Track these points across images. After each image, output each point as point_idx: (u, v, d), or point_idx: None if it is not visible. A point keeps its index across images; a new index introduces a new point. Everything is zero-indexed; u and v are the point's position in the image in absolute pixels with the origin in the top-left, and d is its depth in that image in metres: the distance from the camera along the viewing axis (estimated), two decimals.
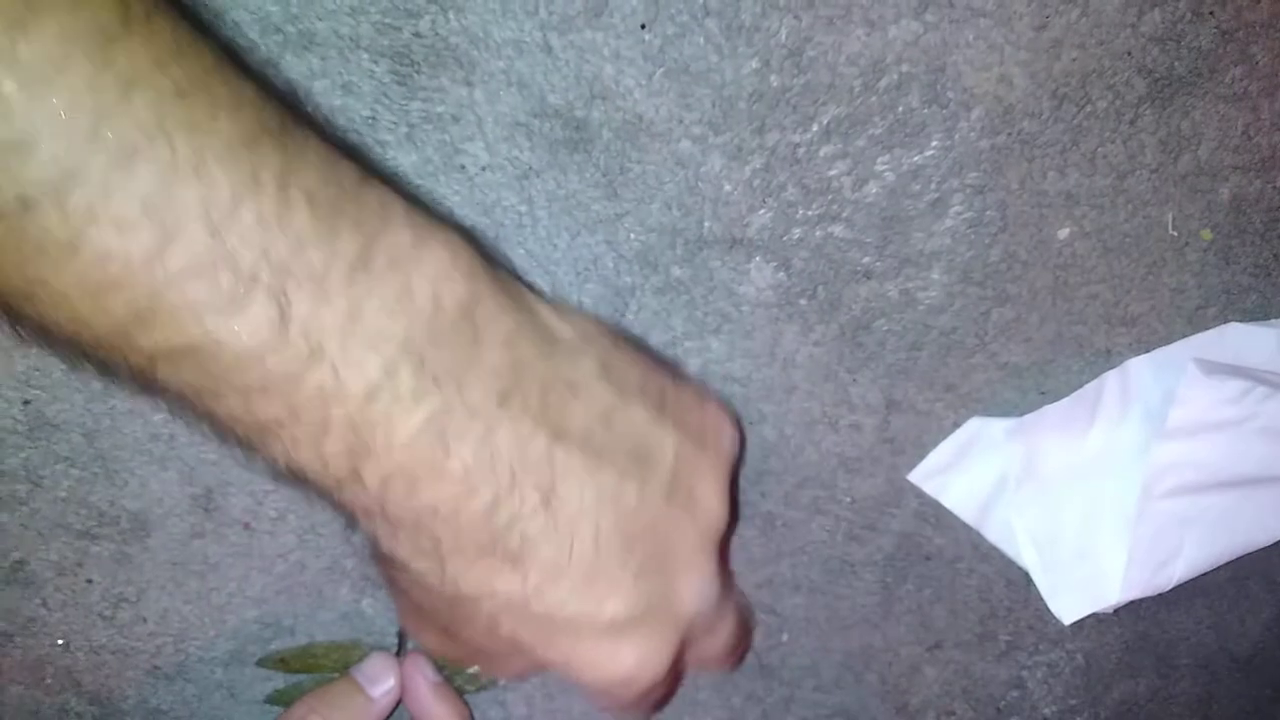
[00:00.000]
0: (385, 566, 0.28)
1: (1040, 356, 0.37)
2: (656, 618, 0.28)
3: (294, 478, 0.24)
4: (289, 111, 0.23)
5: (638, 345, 0.30)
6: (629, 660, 0.27)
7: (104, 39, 0.19)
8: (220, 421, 0.23)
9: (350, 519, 0.26)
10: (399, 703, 0.35)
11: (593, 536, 0.26)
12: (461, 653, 0.30)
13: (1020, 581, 0.40)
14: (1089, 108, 0.33)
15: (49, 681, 0.37)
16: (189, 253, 0.20)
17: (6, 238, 0.19)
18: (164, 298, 0.20)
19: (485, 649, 0.29)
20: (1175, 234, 0.36)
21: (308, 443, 0.23)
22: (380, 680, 0.35)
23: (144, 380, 0.22)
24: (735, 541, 0.38)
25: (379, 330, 0.22)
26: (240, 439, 0.23)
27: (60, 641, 0.36)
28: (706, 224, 0.33)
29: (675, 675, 0.30)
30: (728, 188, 0.33)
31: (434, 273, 0.23)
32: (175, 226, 0.20)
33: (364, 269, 0.22)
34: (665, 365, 0.30)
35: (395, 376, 0.23)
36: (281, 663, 0.37)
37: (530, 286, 0.28)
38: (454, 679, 0.37)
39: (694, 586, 0.28)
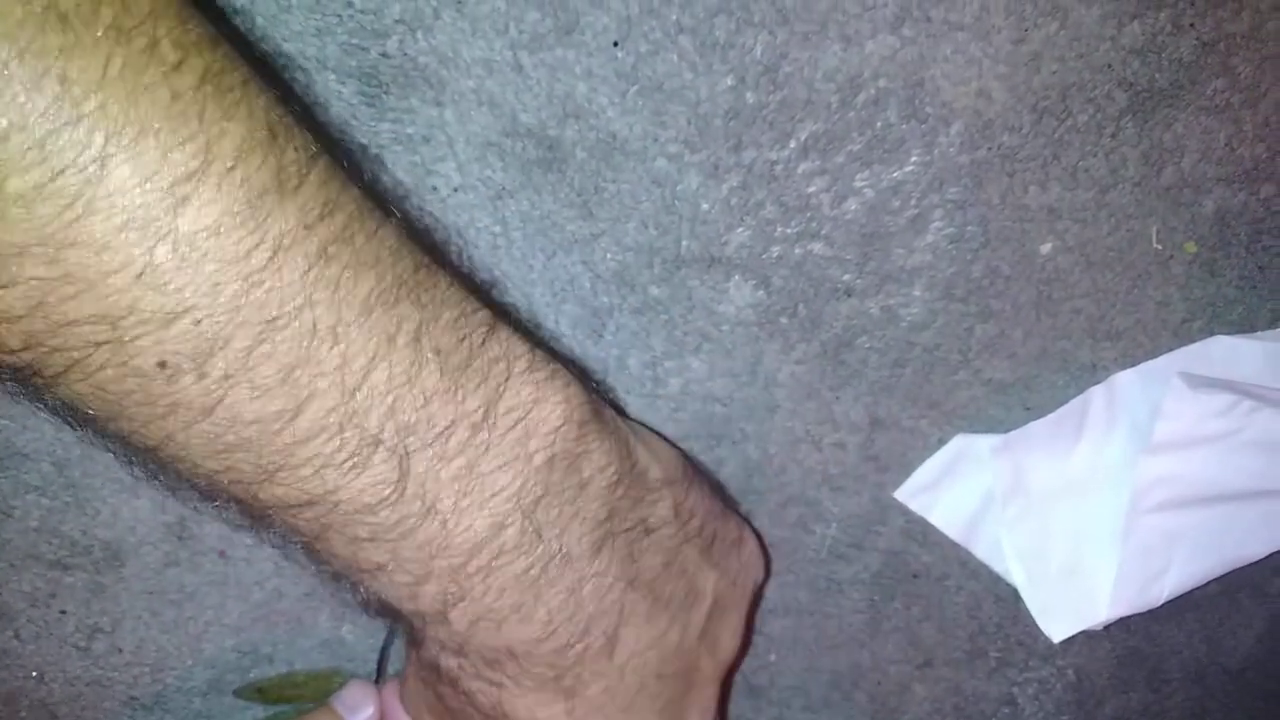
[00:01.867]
0: (428, 673, 0.28)
1: (1025, 372, 0.36)
2: None
3: (379, 609, 0.24)
4: (424, 254, 0.22)
5: (702, 480, 0.31)
6: None
7: (259, 206, 0.19)
8: (319, 558, 0.23)
9: (409, 632, 0.26)
10: None
11: (639, 676, 0.27)
12: None
13: (1009, 598, 0.40)
14: (1070, 121, 0.33)
15: (24, 715, 0.36)
16: (319, 414, 0.20)
17: (141, 397, 0.19)
18: (290, 456, 0.20)
19: None
20: (1159, 247, 0.35)
21: (404, 586, 0.23)
22: (360, 709, 0.34)
23: (256, 520, 0.22)
24: None
25: (492, 487, 0.23)
26: (335, 573, 0.24)
27: (34, 674, 0.35)
28: (684, 243, 0.33)
29: None
30: (705, 206, 0.32)
31: (550, 427, 0.23)
32: (310, 391, 0.20)
33: (485, 427, 0.22)
34: (717, 498, 0.31)
35: (502, 532, 0.23)
36: (259, 693, 0.37)
37: (625, 417, 0.28)
38: None
39: (699, 714, 0.30)
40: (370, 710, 0.34)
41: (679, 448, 0.31)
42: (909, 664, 0.41)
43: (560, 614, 0.25)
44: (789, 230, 0.33)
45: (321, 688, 0.36)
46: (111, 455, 0.32)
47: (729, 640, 0.30)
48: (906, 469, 0.37)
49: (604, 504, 0.25)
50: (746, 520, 0.33)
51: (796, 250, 0.33)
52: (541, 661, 0.25)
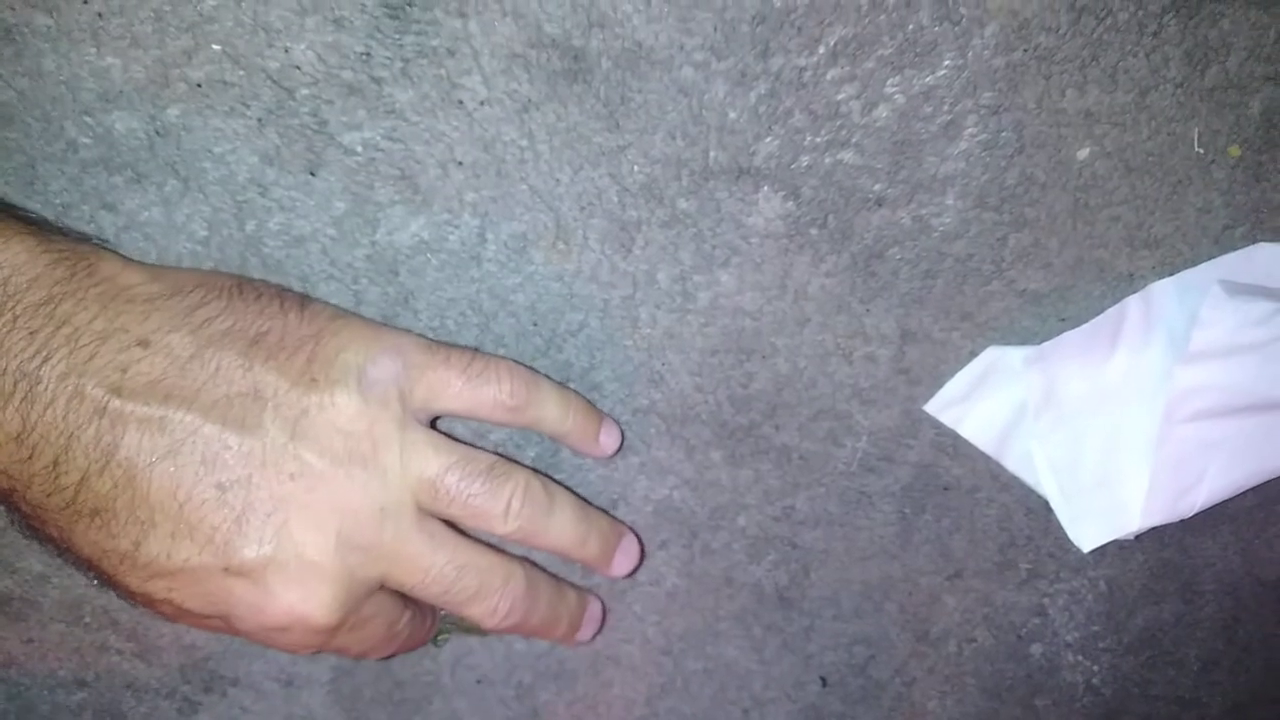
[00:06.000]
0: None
1: (1060, 282, 0.36)
2: (297, 562, 0.28)
3: None
4: None
5: (250, 288, 0.30)
6: (285, 602, 0.28)
7: None
8: None
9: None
10: None
11: (171, 486, 0.27)
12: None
13: (1040, 510, 0.40)
14: (1109, 20, 0.32)
15: (88, 620, 0.38)
16: None
17: None
18: None
19: (150, 610, 0.30)
20: (1201, 151, 0.34)
21: None
22: None
23: None
24: (749, 475, 0.38)
25: None
26: None
27: (95, 581, 0.37)
28: (712, 154, 0.32)
29: (384, 624, 0.31)
30: (732, 115, 0.32)
31: None
32: None
33: None
34: (284, 305, 0.30)
35: None
36: None
37: (113, 252, 0.29)
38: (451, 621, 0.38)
39: (331, 526, 0.28)
40: None
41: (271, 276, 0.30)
42: (939, 575, 0.41)
43: (27, 430, 0.26)
44: (818, 139, 0.32)
45: None
46: None
47: (332, 439, 0.28)
48: (938, 382, 0.37)
49: (51, 319, 0.26)
50: (386, 325, 0.32)
51: (826, 159, 0.33)
52: (45, 486, 0.26)
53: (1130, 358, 0.36)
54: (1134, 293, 0.36)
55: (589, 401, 0.35)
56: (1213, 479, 0.37)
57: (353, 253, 0.33)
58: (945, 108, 0.32)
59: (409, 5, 0.29)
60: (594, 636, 0.38)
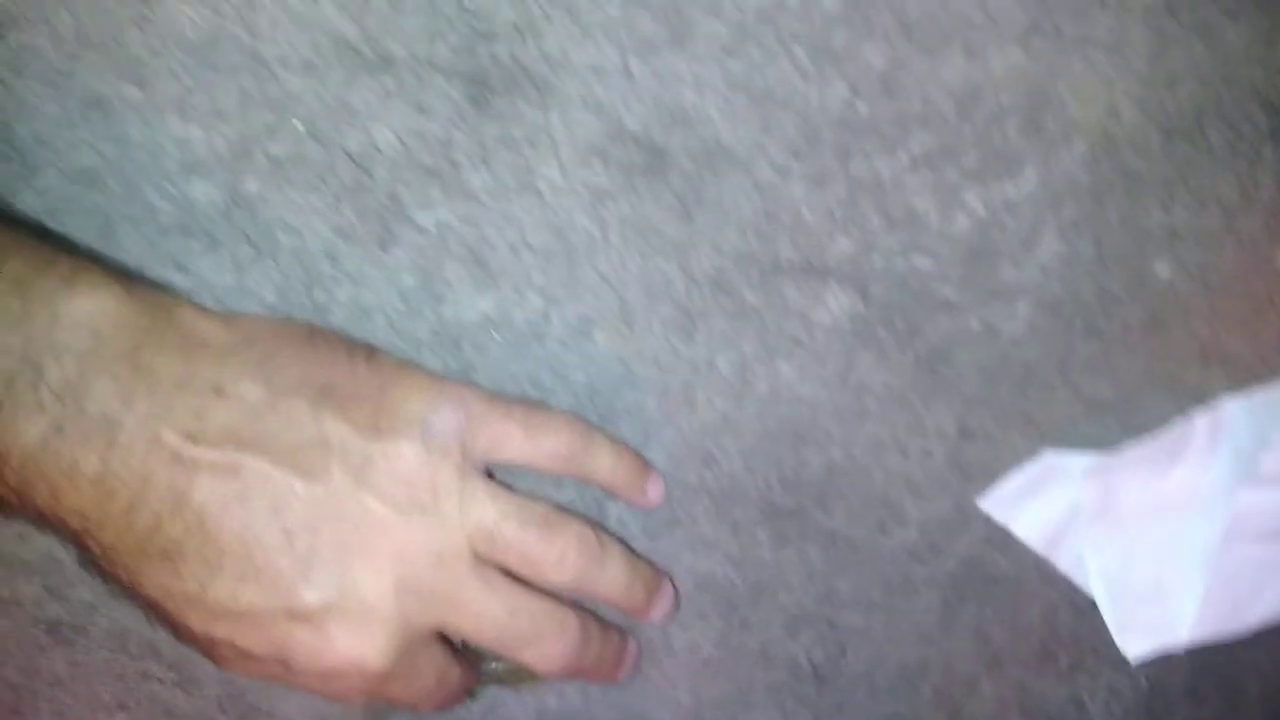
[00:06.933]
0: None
1: (1126, 393, 0.35)
2: (357, 606, 0.28)
3: None
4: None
5: (320, 339, 0.30)
6: (343, 646, 0.28)
7: None
8: None
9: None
10: None
11: (240, 530, 0.27)
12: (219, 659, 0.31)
13: (1086, 606, 0.40)
14: (1203, 144, 0.31)
15: (132, 649, 0.39)
16: None
17: None
18: None
19: (207, 654, 0.30)
20: None
21: None
22: None
23: None
24: (793, 555, 0.38)
25: None
26: None
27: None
28: (783, 251, 0.32)
29: (437, 672, 0.31)
30: (807, 215, 0.32)
31: (62, 295, 0.26)
32: None
33: None
34: (351, 356, 0.30)
35: (12, 388, 0.25)
36: None
37: (189, 301, 0.30)
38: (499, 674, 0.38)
39: (391, 572, 0.29)
40: None
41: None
42: (978, 662, 0.41)
43: (108, 473, 0.26)
44: (892, 243, 0.32)
45: None
46: None
47: (394, 487, 0.29)
48: (993, 480, 0.37)
49: (130, 365, 0.27)
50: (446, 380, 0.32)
51: (899, 263, 0.32)
52: (119, 527, 0.27)
53: (1193, 473, 0.36)
54: (1203, 408, 0.35)
55: (639, 454, 0.35)
56: (1269, 600, 0.36)
57: (418, 325, 0.33)
58: (1026, 220, 0.32)
59: (492, 95, 0.29)
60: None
